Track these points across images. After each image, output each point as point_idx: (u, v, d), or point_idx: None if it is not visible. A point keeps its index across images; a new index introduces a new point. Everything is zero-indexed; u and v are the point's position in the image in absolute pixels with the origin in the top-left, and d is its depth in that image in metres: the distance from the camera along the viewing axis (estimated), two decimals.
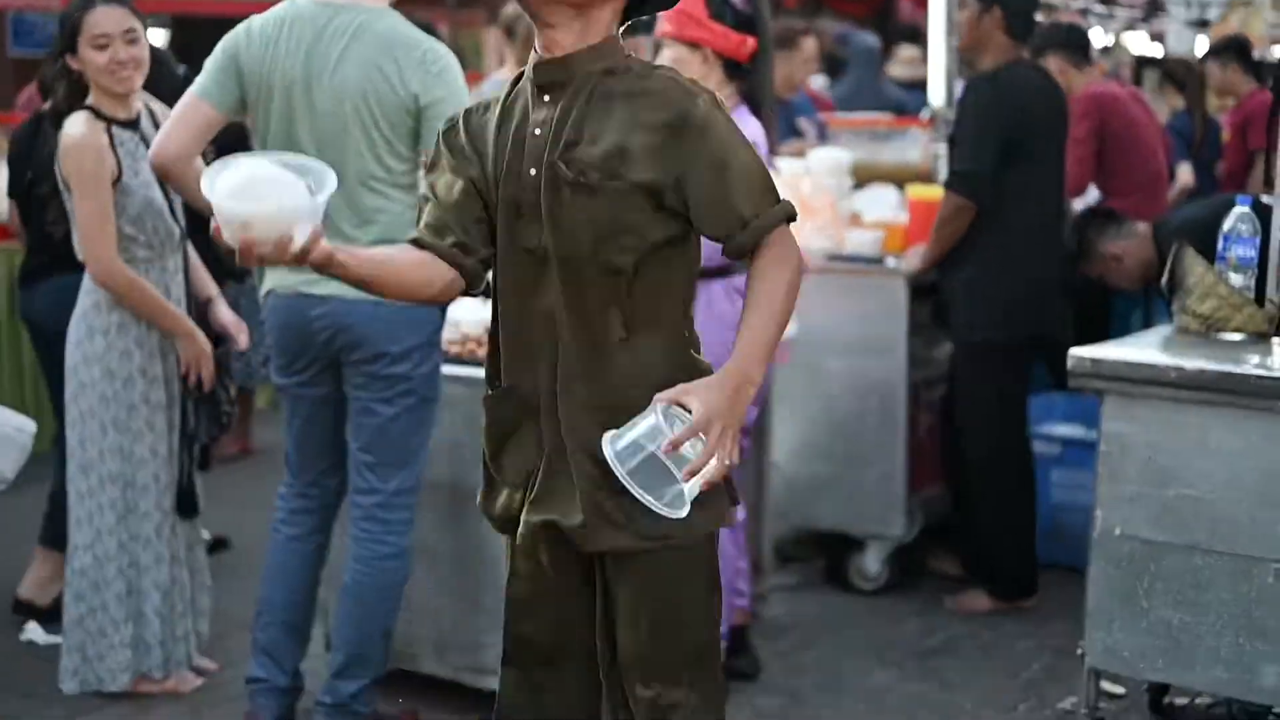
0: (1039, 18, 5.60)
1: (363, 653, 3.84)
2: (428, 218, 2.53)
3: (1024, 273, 4.98)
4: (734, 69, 4.15)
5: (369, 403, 3.76)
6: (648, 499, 2.29)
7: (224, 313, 4.32)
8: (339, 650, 3.88)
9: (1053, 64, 6.29)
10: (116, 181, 3.97)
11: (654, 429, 2.29)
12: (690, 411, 2.30)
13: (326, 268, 2.29)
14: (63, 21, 4.05)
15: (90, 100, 4.02)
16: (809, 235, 5.35)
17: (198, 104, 3.69)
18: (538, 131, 2.45)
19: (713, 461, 2.29)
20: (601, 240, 2.41)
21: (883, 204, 5.93)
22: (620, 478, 2.29)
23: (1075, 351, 3.71)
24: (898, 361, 5.21)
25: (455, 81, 3.68)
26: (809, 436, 5.37)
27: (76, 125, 3.97)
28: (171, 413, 4.18)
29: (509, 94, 2.53)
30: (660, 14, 4.04)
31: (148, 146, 3.95)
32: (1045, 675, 4.56)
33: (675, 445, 2.27)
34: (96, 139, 3.96)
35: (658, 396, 2.33)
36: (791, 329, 5.12)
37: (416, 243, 2.52)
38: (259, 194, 2.17)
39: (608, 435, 2.32)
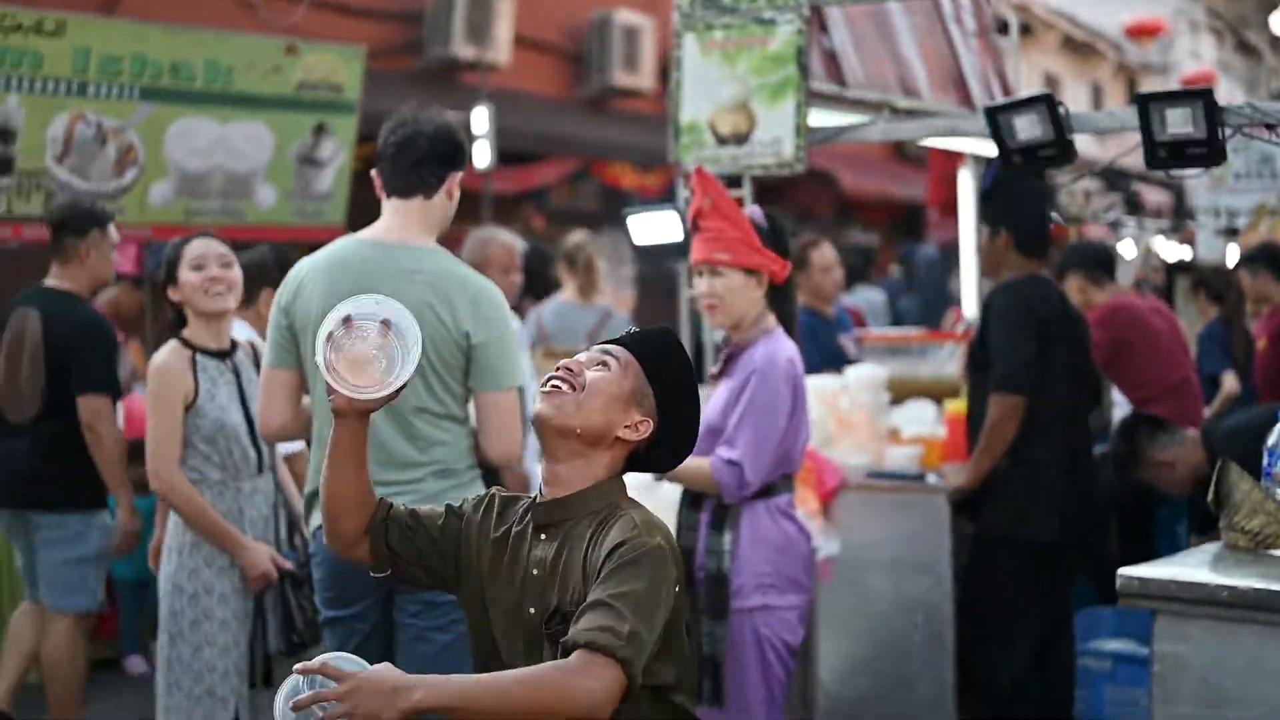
0: (1095, 230, 5.73)
1: None
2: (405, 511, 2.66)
3: (1045, 475, 4.99)
4: (773, 292, 4.18)
5: (425, 630, 3.75)
6: None
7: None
8: None
9: (1073, 283, 6.57)
10: (193, 403, 4.24)
11: (294, 688, 2.35)
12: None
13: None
14: (166, 257, 4.37)
15: (185, 332, 4.33)
16: (847, 452, 5.36)
17: (270, 374, 3.87)
18: (535, 572, 2.53)
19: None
20: None
21: (920, 419, 5.95)
22: None
23: (1124, 571, 3.65)
24: (942, 579, 5.16)
25: (505, 321, 3.78)
26: (855, 655, 5.30)
27: (162, 353, 4.31)
28: (248, 625, 4.36)
29: (507, 509, 2.64)
30: (708, 240, 4.10)
31: (237, 376, 4.33)
32: None
33: (299, 706, 2.29)
34: (175, 364, 4.27)
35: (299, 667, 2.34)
36: (833, 546, 5.12)
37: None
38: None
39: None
